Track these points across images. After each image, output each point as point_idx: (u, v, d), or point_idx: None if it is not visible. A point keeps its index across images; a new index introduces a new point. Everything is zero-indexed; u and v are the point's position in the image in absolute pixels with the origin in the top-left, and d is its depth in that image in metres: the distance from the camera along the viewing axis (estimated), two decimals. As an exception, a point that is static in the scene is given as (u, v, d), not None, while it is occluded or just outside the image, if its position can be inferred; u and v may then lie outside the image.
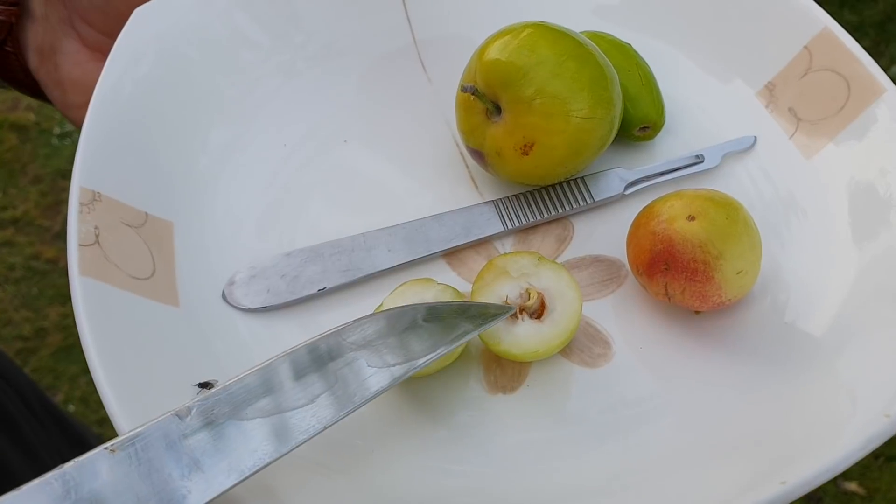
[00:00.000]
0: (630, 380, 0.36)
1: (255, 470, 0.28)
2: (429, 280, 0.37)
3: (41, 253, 1.27)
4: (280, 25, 0.46)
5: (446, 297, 0.36)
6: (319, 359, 0.31)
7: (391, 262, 0.39)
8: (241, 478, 0.28)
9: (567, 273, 0.36)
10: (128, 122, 0.40)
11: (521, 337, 0.35)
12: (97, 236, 0.36)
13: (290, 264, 0.39)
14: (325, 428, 0.30)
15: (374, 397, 0.31)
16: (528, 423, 0.35)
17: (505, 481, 0.34)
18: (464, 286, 0.39)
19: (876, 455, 0.99)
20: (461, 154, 0.44)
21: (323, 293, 0.38)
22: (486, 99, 0.38)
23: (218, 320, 0.37)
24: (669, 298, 0.36)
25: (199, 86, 0.43)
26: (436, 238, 0.40)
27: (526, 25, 0.39)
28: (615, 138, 0.42)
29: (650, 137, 0.43)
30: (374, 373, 0.31)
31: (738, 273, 0.35)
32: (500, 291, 0.36)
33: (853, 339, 0.34)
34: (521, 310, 0.36)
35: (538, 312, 0.36)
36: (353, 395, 0.31)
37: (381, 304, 0.36)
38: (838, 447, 0.28)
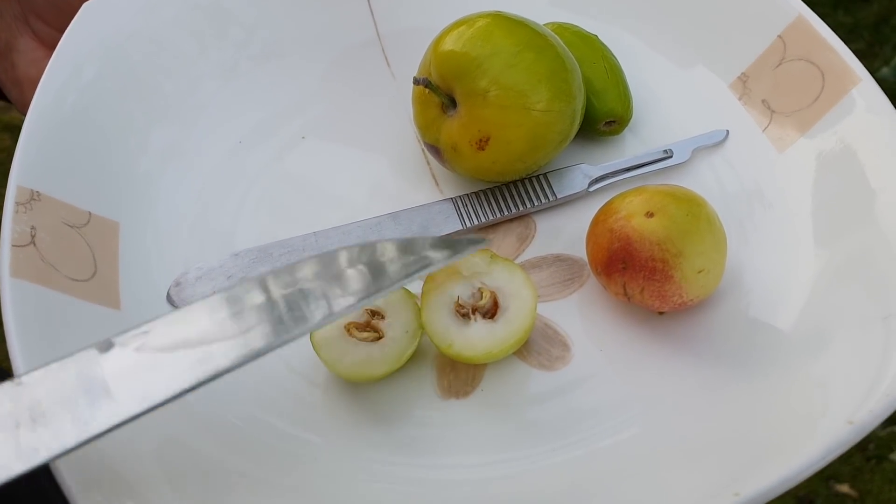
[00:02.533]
0: (589, 383, 0.34)
1: (171, 396, 0.25)
2: None
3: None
4: (232, 21, 0.45)
5: (396, 297, 0.35)
6: (265, 288, 0.28)
7: (343, 262, 0.38)
8: (153, 405, 0.25)
9: (521, 271, 0.34)
10: (70, 121, 0.39)
11: (473, 338, 0.33)
12: (33, 236, 0.35)
13: (237, 265, 0.37)
14: (258, 355, 0.26)
15: (319, 326, 0.27)
16: (482, 430, 0.33)
17: (458, 491, 0.32)
18: (420, 286, 0.38)
19: (868, 457, 0.97)
20: (423, 150, 0.43)
21: (271, 295, 0.37)
22: (440, 92, 0.37)
23: (161, 323, 0.36)
24: (629, 298, 0.34)
25: (144, 84, 0.42)
26: (392, 237, 0.38)
27: (482, 15, 0.37)
28: (580, 133, 0.41)
29: (617, 132, 0.41)
30: (324, 304, 0.28)
31: (700, 272, 0.33)
32: (451, 291, 0.34)
33: (819, 343, 0.32)
34: (474, 310, 0.34)
35: (491, 312, 0.34)
36: (293, 325, 0.27)
37: (328, 306, 0.34)
38: (798, 456, 0.27)
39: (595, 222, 0.35)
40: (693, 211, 0.33)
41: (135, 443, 0.30)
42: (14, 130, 1.38)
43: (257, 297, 0.28)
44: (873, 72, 1.17)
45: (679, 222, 0.33)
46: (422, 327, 0.34)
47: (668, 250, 0.32)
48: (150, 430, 0.31)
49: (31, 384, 0.25)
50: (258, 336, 0.27)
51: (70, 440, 0.25)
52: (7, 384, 0.25)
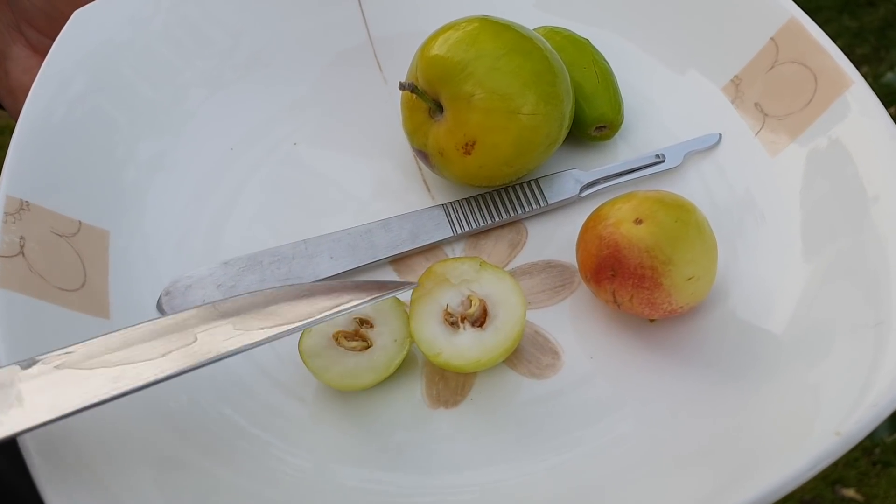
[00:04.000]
0: (580, 391, 0.34)
1: (79, 408, 0.27)
2: None
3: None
4: (223, 27, 0.45)
5: (385, 305, 0.34)
6: (184, 323, 0.30)
7: (333, 269, 0.38)
8: (63, 414, 0.27)
9: (510, 278, 0.34)
10: (59, 131, 0.39)
11: (462, 347, 0.33)
12: (22, 247, 0.35)
13: (227, 273, 0.37)
14: (168, 378, 0.28)
15: (229, 355, 0.29)
16: (470, 439, 0.33)
17: (445, 501, 0.32)
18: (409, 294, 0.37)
19: (874, 462, 0.96)
20: (414, 156, 0.42)
21: (260, 303, 0.37)
22: (426, 96, 0.36)
23: (150, 332, 0.36)
24: (619, 306, 0.34)
25: (131, 94, 0.42)
26: (382, 244, 0.38)
27: (469, 20, 0.37)
28: (571, 138, 0.40)
29: (608, 137, 0.41)
30: (238, 335, 0.30)
31: (689, 279, 0.32)
32: (440, 299, 0.34)
33: (809, 351, 0.31)
34: (463, 318, 0.34)
35: (480, 320, 0.34)
36: (208, 352, 0.29)
37: (316, 315, 0.34)
38: (785, 467, 0.26)
39: (584, 229, 0.35)
40: (682, 217, 0.33)
41: (118, 447, 0.30)
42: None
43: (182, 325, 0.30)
44: (878, 76, 1.16)
45: (668, 229, 0.32)
46: (411, 336, 0.34)
47: (656, 257, 0.32)
48: (143, 447, 0.31)
49: None
50: (172, 362, 0.29)
51: None
52: None
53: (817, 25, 0.39)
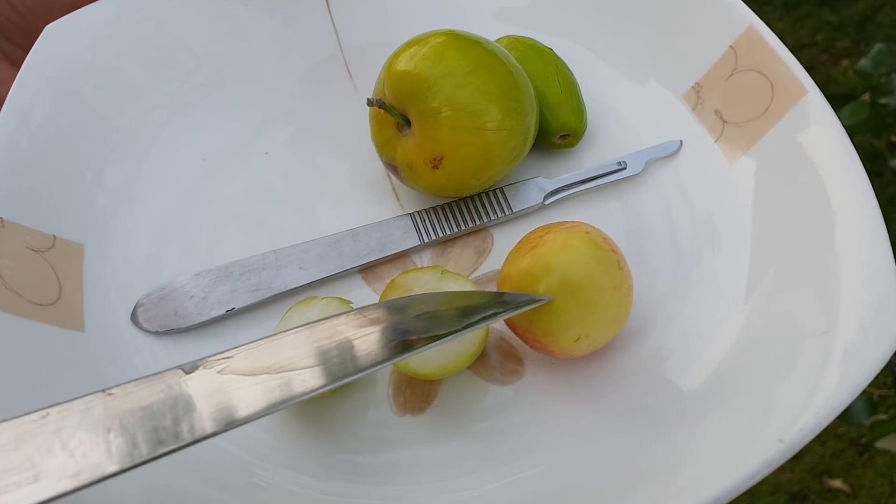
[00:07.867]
0: (541, 398, 0.35)
1: (249, 417, 0.26)
2: (312, 298, 0.36)
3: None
4: (190, 45, 0.45)
5: (331, 310, 0.35)
6: (336, 331, 0.29)
7: (302, 279, 0.38)
8: (233, 425, 0.26)
9: (473, 285, 0.35)
10: (29, 156, 0.39)
11: (428, 355, 0.34)
12: (-4, 263, 0.35)
13: (198, 285, 0.38)
14: (332, 386, 0.27)
15: (391, 362, 0.29)
16: (437, 445, 0.34)
17: (412, 505, 0.33)
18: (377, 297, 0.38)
19: (860, 452, 0.98)
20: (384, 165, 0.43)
21: (231, 314, 0.38)
22: (394, 112, 0.37)
23: (124, 344, 0.37)
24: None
25: (98, 118, 0.42)
26: (350, 254, 0.39)
27: (435, 34, 0.38)
28: (536, 146, 0.41)
29: (571, 145, 0.42)
30: (394, 342, 0.29)
31: (577, 340, 0.32)
32: (405, 311, 0.35)
33: (761, 361, 0.32)
34: (429, 328, 0.35)
35: (445, 330, 0.35)
36: (367, 360, 0.28)
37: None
38: (730, 475, 0.27)
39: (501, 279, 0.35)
40: (550, 288, 0.32)
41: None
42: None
43: (339, 334, 0.29)
44: (855, 66, 1.17)
45: (539, 309, 0.32)
46: None
47: (534, 333, 0.33)
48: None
49: (121, 396, 0.26)
50: (335, 368, 0.28)
51: (155, 450, 0.25)
52: (99, 393, 0.25)
53: (774, 34, 0.40)
